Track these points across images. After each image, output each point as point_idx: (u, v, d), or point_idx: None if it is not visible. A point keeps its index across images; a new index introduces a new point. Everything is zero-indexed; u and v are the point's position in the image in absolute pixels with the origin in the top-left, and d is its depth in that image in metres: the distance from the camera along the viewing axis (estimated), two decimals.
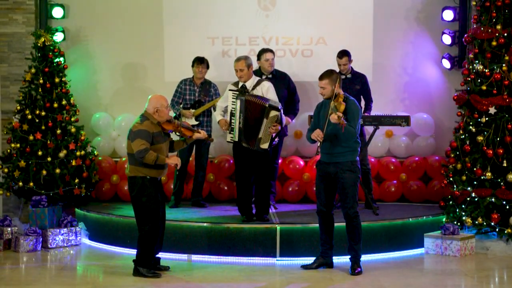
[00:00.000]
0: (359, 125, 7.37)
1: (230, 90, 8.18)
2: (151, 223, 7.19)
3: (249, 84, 8.16)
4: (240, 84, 8.20)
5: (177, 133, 7.40)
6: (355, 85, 9.03)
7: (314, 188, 9.60)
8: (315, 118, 7.51)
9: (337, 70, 8.45)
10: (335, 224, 7.53)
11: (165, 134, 7.36)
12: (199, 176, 9.35)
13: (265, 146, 8.02)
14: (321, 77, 7.35)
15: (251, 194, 8.33)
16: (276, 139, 8.18)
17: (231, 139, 8.15)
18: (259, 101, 7.96)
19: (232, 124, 8.07)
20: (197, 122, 9.12)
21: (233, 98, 8.08)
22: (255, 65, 8.83)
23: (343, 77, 9.03)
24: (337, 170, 7.29)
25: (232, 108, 8.08)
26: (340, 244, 7.66)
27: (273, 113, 7.94)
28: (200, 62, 9.22)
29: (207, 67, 9.30)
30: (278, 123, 7.98)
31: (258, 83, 8.18)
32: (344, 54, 9.00)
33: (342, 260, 7.61)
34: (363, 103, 9.16)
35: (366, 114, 8.94)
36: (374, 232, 8.16)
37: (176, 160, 7.21)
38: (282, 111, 8.05)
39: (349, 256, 7.40)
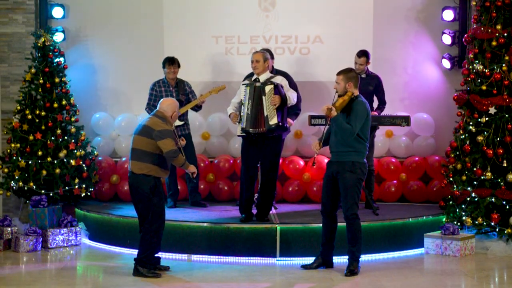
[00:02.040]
0: (368, 127, 7.35)
1: (242, 84, 8.27)
2: (159, 222, 7.22)
3: (262, 78, 8.24)
4: (254, 77, 8.29)
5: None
6: (368, 85, 9.03)
7: (315, 188, 9.75)
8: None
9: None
10: (338, 224, 7.52)
11: None
12: (192, 177, 9.31)
13: (274, 121, 8.06)
14: (338, 73, 7.42)
15: (254, 194, 8.34)
16: (285, 118, 8.28)
17: (241, 133, 8.20)
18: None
19: (242, 114, 8.14)
20: (182, 122, 9.09)
21: (245, 90, 8.17)
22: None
23: None
24: (338, 170, 7.30)
25: (243, 98, 8.16)
26: (340, 244, 7.64)
27: (268, 87, 8.05)
28: (171, 62, 9.15)
29: (178, 66, 9.26)
30: (276, 95, 8.04)
31: (272, 77, 8.28)
32: (363, 54, 9.00)
33: (342, 260, 7.59)
34: (375, 104, 9.21)
35: (374, 114, 8.95)
36: (374, 232, 8.16)
37: (194, 168, 7.38)
38: (280, 87, 8.13)
39: (347, 257, 7.40)
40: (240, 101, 8.24)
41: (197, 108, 9.18)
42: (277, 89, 8.09)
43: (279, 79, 8.29)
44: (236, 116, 8.24)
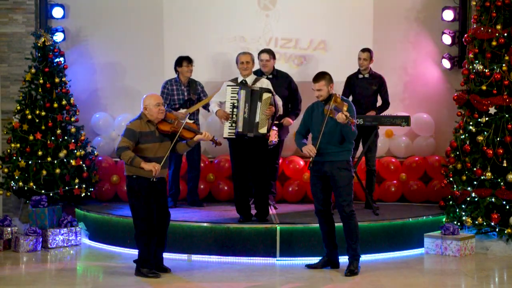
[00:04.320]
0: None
1: (228, 85, 8.22)
2: (141, 223, 7.16)
3: (248, 80, 8.24)
4: (240, 79, 8.26)
5: (178, 135, 7.24)
6: (372, 85, 9.05)
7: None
8: (306, 121, 7.47)
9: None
10: (335, 224, 7.51)
11: (163, 135, 7.28)
12: (193, 177, 9.33)
13: (263, 130, 8.05)
14: (317, 79, 7.28)
15: (249, 193, 8.33)
16: (275, 128, 8.31)
17: (228, 135, 8.15)
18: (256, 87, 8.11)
19: (235, 116, 8.09)
20: (191, 121, 9.09)
21: (233, 92, 8.13)
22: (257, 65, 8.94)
23: (361, 76, 9.06)
24: (332, 169, 7.28)
25: (234, 101, 8.10)
26: (340, 244, 7.64)
27: (265, 95, 8.01)
28: (189, 61, 9.17)
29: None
30: (272, 105, 8.03)
31: (257, 80, 8.27)
32: (367, 49, 9.05)
33: (343, 260, 7.59)
34: (379, 104, 9.22)
35: (372, 113, 8.97)
36: (374, 232, 8.16)
37: (152, 166, 6.97)
38: (274, 95, 8.12)
39: (347, 256, 7.39)
40: (225, 104, 8.17)
41: (206, 107, 9.18)
42: (273, 98, 8.08)
43: (265, 82, 8.27)
44: (225, 114, 8.15)
